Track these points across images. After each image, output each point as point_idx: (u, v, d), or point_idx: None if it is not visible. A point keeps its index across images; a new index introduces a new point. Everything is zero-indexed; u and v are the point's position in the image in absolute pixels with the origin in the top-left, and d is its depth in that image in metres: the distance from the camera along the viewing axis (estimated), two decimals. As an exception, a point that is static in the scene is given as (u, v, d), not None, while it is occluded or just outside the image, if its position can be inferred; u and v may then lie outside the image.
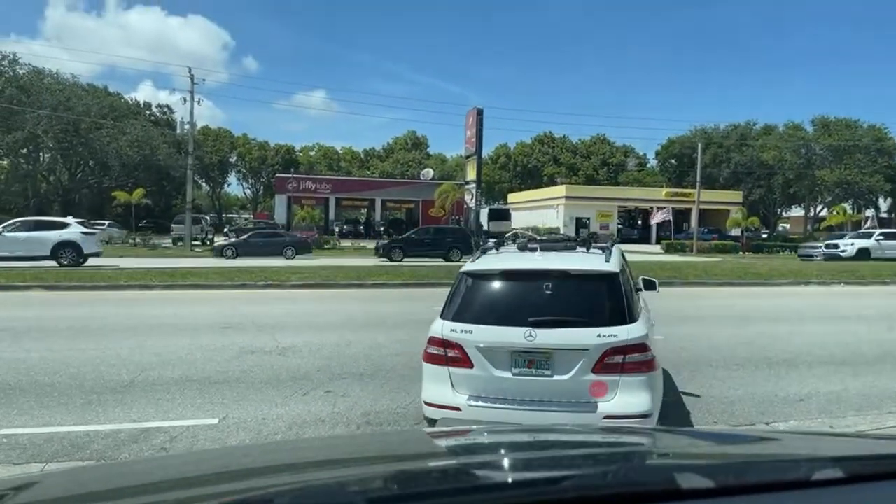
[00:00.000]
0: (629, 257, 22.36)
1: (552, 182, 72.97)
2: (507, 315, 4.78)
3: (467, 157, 44.67)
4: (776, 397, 6.88)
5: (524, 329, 4.53)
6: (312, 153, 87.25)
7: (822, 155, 54.21)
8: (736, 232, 50.65)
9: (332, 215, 53.18)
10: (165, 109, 66.01)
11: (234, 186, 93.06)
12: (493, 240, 7.07)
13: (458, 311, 5.03)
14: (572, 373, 4.52)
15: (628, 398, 4.48)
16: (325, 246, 36.64)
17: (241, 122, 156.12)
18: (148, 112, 65.42)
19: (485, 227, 42.10)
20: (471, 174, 43.06)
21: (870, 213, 51.81)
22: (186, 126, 36.93)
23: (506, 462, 1.39)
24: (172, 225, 40.98)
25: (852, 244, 31.31)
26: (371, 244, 39.43)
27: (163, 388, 6.87)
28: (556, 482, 1.11)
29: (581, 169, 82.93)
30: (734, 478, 1.13)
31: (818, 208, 60.11)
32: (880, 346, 9.44)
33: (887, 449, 1.53)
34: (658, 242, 49.42)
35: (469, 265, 5.46)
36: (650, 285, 6.88)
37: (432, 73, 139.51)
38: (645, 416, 4.47)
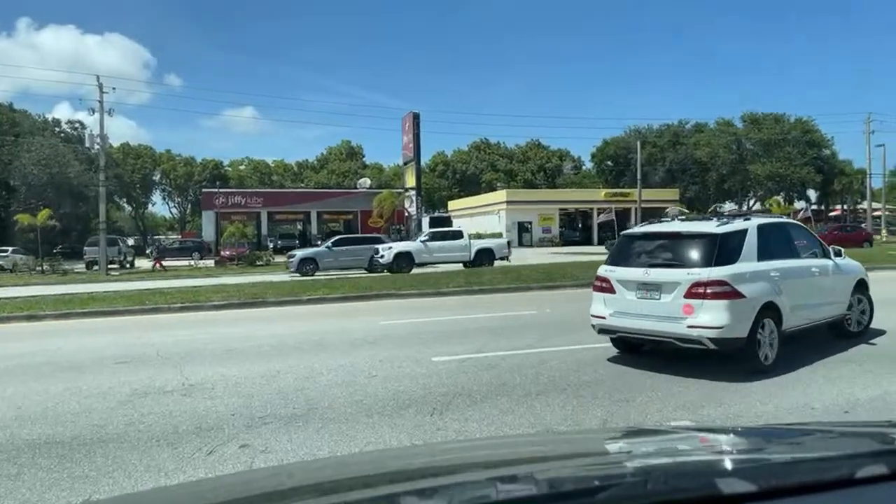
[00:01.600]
0: (574, 259, 21.41)
1: (491, 188, 72.24)
2: (637, 260, 7.39)
3: (405, 163, 42.94)
4: None
5: (644, 269, 7.16)
6: (242, 167, 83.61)
7: (752, 150, 55.39)
8: (675, 229, 50.88)
9: (264, 230, 50.39)
10: (77, 125, 61.37)
11: (160, 206, 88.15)
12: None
13: (611, 257, 7.79)
14: (671, 297, 6.84)
15: (707, 316, 6.61)
16: (258, 262, 34.17)
17: (167, 142, 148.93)
18: (57, 129, 60.68)
19: (427, 236, 40.41)
20: (410, 181, 41.33)
21: (801, 204, 53.23)
22: (97, 140, 33.69)
23: (536, 473, 1.38)
24: (85, 248, 37.40)
25: None
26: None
27: (7, 458, 4.86)
28: (591, 493, 1.08)
29: (519, 174, 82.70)
30: (775, 479, 1.11)
31: (751, 202, 61.48)
32: None
33: None
34: (601, 243, 49.11)
35: (625, 231, 8.39)
36: (838, 253, 8.93)
37: (363, 86, 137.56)
38: (717, 328, 6.56)
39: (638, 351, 7.87)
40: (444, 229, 29.10)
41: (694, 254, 7.01)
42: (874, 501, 1.03)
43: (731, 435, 1.89)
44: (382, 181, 66.42)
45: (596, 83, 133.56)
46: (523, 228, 54.35)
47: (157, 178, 77.86)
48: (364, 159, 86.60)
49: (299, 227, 61.03)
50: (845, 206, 65.92)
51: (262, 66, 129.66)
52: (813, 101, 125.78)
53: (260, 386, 6.81)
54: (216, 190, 47.73)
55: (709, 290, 6.63)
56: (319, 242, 48.92)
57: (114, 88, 31.92)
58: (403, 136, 41.83)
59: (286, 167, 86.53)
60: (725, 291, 6.61)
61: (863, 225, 45.75)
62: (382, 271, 24.30)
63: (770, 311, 6.96)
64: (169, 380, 7.19)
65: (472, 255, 25.66)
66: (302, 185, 76.56)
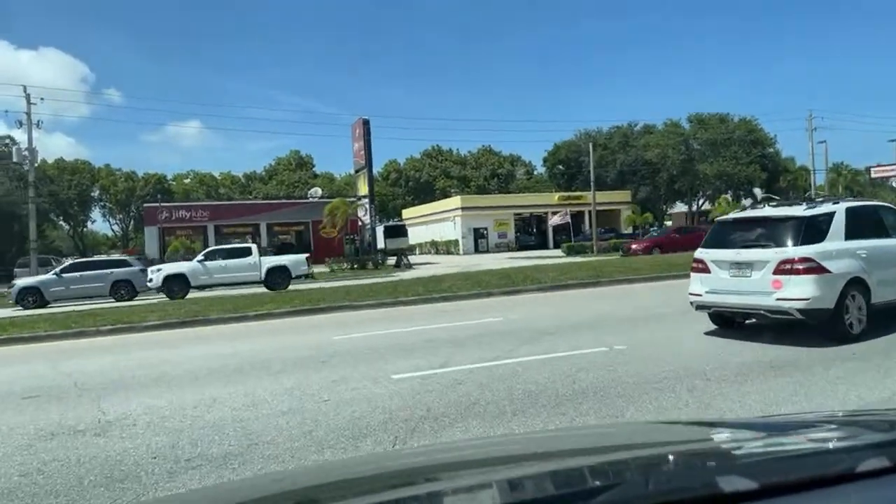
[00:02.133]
0: (530, 262, 20.79)
1: (445, 195, 71.66)
2: (730, 241, 8.24)
3: (357, 171, 41.84)
4: None
5: (736, 250, 8.05)
6: (187, 181, 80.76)
7: (700, 150, 56.35)
8: (629, 230, 51.41)
9: (212, 244, 48.42)
10: (7, 140, 58.00)
11: (101, 223, 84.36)
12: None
13: (707, 241, 8.68)
14: (761, 274, 7.65)
15: (795, 290, 7.36)
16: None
17: (109, 158, 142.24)
18: (-18, 145, 57.18)
19: (381, 245, 39.36)
20: (362, 189, 40.24)
21: (747, 202, 54.23)
22: (25, 154, 31.55)
23: (535, 473, 1.39)
24: (15, 270, 35.00)
25: None
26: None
27: None
28: (591, 494, 1.06)
29: (472, 180, 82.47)
30: (776, 475, 1.09)
31: (701, 201, 62.56)
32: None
33: None
34: (557, 246, 49.01)
35: (719, 218, 9.75)
36: None
37: (311, 97, 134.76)
38: (804, 299, 7.30)
39: (722, 328, 8.66)
40: (228, 246, 25.80)
41: (782, 234, 7.79)
42: (877, 495, 1.02)
43: (733, 429, 1.90)
44: (334, 190, 65.06)
45: (544, 87, 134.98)
46: (479, 234, 53.88)
47: (95, 194, 74.45)
48: (314, 169, 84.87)
49: (249, 240, 59.13)
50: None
51: (207, 79, 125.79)
52: (755, 100, 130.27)
53: (191, 419, 5.84)
54: (159, 204, 45.62)
55: (796, 267, 7.40)
56: (270, 253, 47.66)
57: (42, 99, 29.89)
58: (354, 143, 40.77)
59: (233, 179, 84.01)
60: (811, 267, 7.37)
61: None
62: (130, 298, 21.30)
63: (858, 285, 7.65)
64: (83, 416, 6.13)
65: (263, 274, 22.28)
66: (251, 196, 74.43)
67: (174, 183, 79.89)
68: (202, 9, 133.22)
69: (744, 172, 53.96)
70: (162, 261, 39.46)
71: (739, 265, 7.89)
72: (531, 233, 59.63)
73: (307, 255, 25.63)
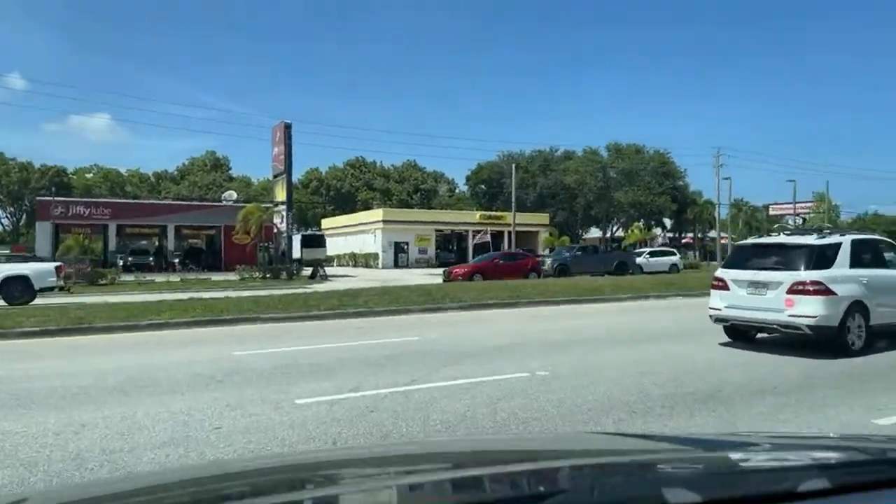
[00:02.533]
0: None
1: (367, 207, 70.68)
2: (748, 263, 9.48)
3: (275, 176, 40.35)
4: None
5: (754, 271, 9.21)
6: (90, 176, 75.67)
7: (616, 178, 58.38)
8: (546, 252, 52.36)
9: (112, 245, 45.22)
10: None
11: (-13, 216, 77.41)
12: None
13: (727, 262, 10.32)
14: (775, 293, 8.78)
15: (805, 308, 8.50)
16: (101, 281, 30.08)
17: (4, 147, 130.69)
18: None
19: (297, 255, 37.96)
20: (280, 195, 38.79)
21: (658, 230, 56.75)
22: None
23: (484, 476, 1.38)
24: None
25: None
26: (163, 277, 33.43)
27: None
28: (536, 500, 1.08)
29: (395, 194, 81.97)
30: (721, 490, 1.11)
31: (614, 228, 64.78)
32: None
33: (871, 454, 1.55)
34: (477, 264, 49.15)
35: (738, 243, 12.82)
36: None
37: (233, 99, 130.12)
38: (812, 317, 8.44)
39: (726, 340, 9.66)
40: None
41: (795, 260, 8.93)
42: None
43: (680, 444, 1.92)
44: (250, 195, 62.65)
45: (471, 107, 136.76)
46: (399, 248, 53.28)
47: (-17, 184, 68.41)
48: (230, 171, 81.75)
49: (156, 242, 55.75)
50: (698, 234, 71.57)
51: (123, 72, 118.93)
52: (668, 133, 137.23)
53: (51, 449, 4.92)
54: (52, 198, 42.05)
55: (807, 288, 8.50)
56: (177, 260, 44.83)
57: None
58: (274, 147, 39.33)
59: (142, 177, 79.51)
60: (820, 289, 8.46)
61: (535, 251, 44.09)
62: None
63: (859, 307, 8.70)
64: (-90, 444, 5.07)
65: None
66: (160, 197, 70.55)
67: (75, 177, 74.70)
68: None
69: (656, 202, 56.34)
70: (53, 259, 36.40)
71: (756, 284, 9.01)
72: (451, 250, 59.64)
73: (58, 264, 21.94)
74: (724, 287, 9.40)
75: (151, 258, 46.34)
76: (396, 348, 9.51)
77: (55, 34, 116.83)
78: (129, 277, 32.88)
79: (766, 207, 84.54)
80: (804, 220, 78.86)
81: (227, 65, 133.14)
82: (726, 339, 9.77)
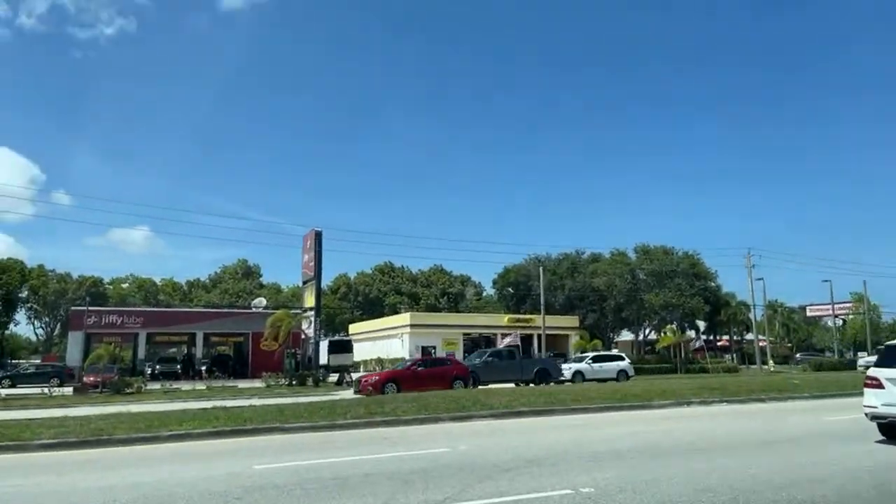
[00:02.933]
0: (481, 387, 19.42)
1: (395, 311, 70.60)
2: None
3: (305, 282, 40.77)
4: None
5: None
6: (125, 286, 77.47)
7: (646, 280, 57.73)
8: (577, 355, 51.03)
9: (141, 353, 45.41)
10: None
11: (24, 326, 78.98)
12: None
13: (878, 362, 10.60)
14: None
15: None
16: (127, 390, 29.87)
17: (46, 259, 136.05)
18: None
19: (323, 361, 37.53)
20: (309, 301, 38.99)
21: (692, 333, 55.20)
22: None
23: None
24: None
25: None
26: (189, 385, 33.08)
27: None
28: None
29: (422, 298, 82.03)
30: None
31: (647, 330, 63.23)
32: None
33: None
34: (506, 370, 47.94)
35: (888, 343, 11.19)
36: None
37: (263, 209, 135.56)
38: None
39: None
40: None
41: None
42: None
43: None
44: (280, 301, 63.24)
45: (498, 211, 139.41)
46: (426, 352, 52.51)
47: (23, 294, 70.29)
48: (261, 279, 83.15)
49: (185, 350, 55.87)
50: (734, 336, 69.41)
51: (156, 187, 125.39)
52: (697, 235, 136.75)
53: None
54: (86, 308, 42.83)
55: None
56: (204, 367, 44.57)
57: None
58: (304, 254, 40.04)
59: (175, 286, 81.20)
60: None
61: (456, 358, 38.75)
62: None
63: None
64: None
65: None
66: (191, 304, 71.60)
67: (111, 287, 76.51)
68: (156, 111, 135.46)
69: (688, 304, 55.23)
70: (81, 369, 36.46)
71: None
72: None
73: None
74: (879, 385, 9.84)
75: (179, 366, 46.26)
76: (426, 461, 8.89)
77: (95, 151, 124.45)
78: (156, 386, 32.64)
79: (803, 308, 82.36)
80: (844, 321, 76.36)
81: (257, 176, 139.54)
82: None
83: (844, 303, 74.21)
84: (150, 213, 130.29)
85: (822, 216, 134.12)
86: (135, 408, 18.50)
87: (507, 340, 50.13)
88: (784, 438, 10.75)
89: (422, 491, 6.93)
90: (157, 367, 45.03)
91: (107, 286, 76.24)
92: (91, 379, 32.10)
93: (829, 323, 76.31)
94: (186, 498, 6.87)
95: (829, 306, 66.36)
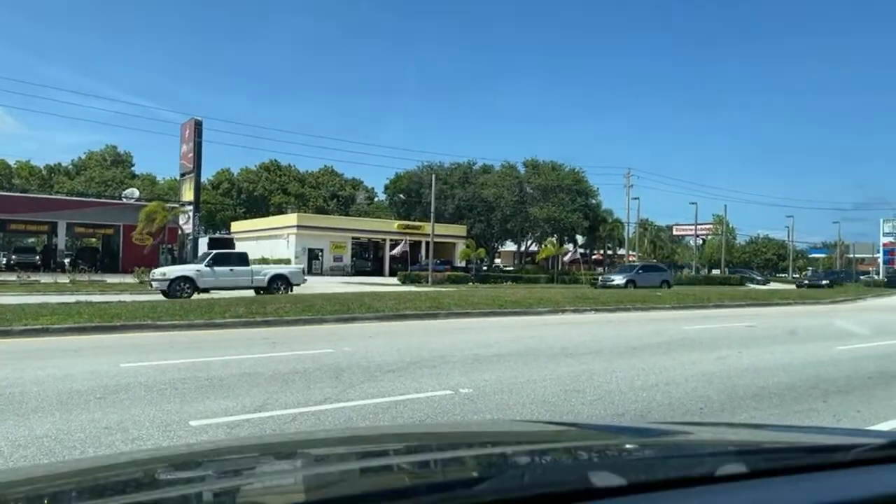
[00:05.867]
0: (367, 289, 19.48)
1: (281, 211, 68.45)
2: None
3: (183, 175, 38.23)
4: None
5: None
6: (-28, 166, 69.09)
7: (532, 194, 59.45)
8: (463, 263, 52.51)
9: (-7, 241, 41.26)
10: None
11: None
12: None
13: None
14: None
15: None
16: (-25, 280, 27.14)
17: None
18: None
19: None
20: (188, 195, 36.76)
21: (570, 246, 58.24)
22: None
23: (413, 462, 1.44)
24: None
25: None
26: (50, 278, 30.56)
27: None
28: (468, 485, 1.11)
29: (311, 200, 79.97)
30: (644, 473, 1.16)
31: (529, 243, 65.87)
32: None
33: (786, 440, 1.69)
34: (393, 274, 48.52)
35: None
36: None
37: (141, 94, 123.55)
38: None
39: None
40: None
41: None
42: (734, 498, 1.09)
43: (605, 431, 2.10)
44: (155, 194, 59.12)
45: (390, 116, 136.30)
46: (314, 255, 51.80)
47: None
48: (133, 168, 77.04)
49: (45, 240, 51.33)
50: (608, 251, 74.09)
51: (9, 57, 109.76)
52: (583, 152, 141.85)
53: None
54: (-76, 187, 37.80)
55: None
56: (68, 260, 41.27)
57: None
58: (182, 144, 37.27)
59: (32, 170, 73.43)
60: None
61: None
62: None
63: None
64: None
65: None
66: (51, 191, 65.32)
67: (-47, 166, 67.90)
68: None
69: (569, 219, 57.76)
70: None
71: None
72: (368, 258, 58.70)
73: None
74: None
75: (38, 257, 42.61)
76: (308, 361, 8.79)
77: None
78: (11, 277, 29.88)
79: (670, 228, 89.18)
80: (703, 240, 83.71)
81: (132, 58, 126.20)
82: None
83: (706, 224, 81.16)
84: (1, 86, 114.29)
85: (690, 144, 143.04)
86: (-16, 300, 16.86)
87: (399, 248, 50.44)
88: (646, 345, 11.64)
89: (302, 391, 6.83)
90: (14, 257, 41.22)
91: (-52, 165, 67.66)
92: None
93: (692, 242, 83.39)
94: (41, 397, 6.33)
95: (693, 226, 72.22)
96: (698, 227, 72.56)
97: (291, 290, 23.43)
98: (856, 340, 12.94)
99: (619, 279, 37.97)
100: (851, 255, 74.49)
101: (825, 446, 1.48)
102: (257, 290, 23.23)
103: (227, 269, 22.94)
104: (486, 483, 1.10)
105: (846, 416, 6.31)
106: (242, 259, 24.21)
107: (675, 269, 79.30)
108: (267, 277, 23.56)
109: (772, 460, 1.29)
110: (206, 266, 22.80)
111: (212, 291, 22.42)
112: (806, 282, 55.19)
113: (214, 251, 25.69)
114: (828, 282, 51.30)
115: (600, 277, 41.15)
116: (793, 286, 53.52)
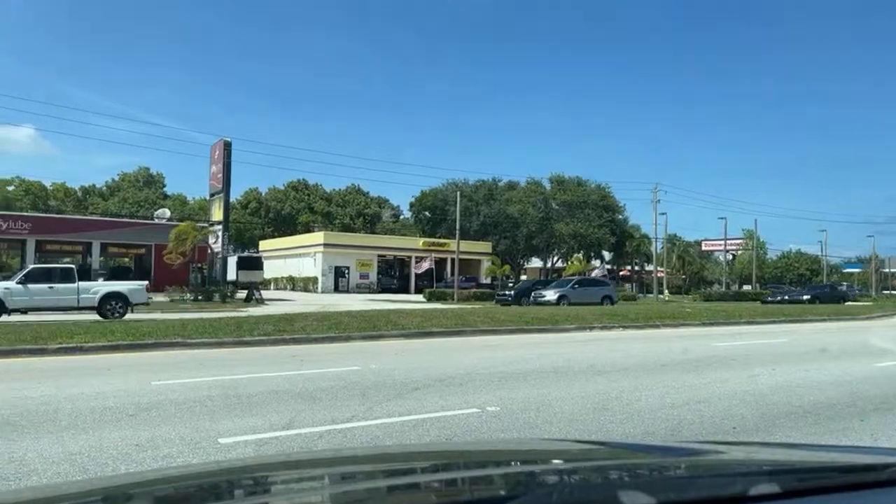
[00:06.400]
0: (394, 306, 19.53)
1: (308, 230, 69.21)
2: None
3: (212, 195, 38.91)
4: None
5: None
6: (11, 189, 71.27)
7: (557, 210, 59.25)
8: (488, 280, 52.41)
9: (30, 262, 42.34)
10: None
11: None
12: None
13: None
14: None
15: None
16: (13, 299, 27.84)
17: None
18: None
19: (232, 277, 36.44)
20: (217, 214, 37.35)
21: (597, 262, 57.76)
22: None
23: (435, 483, 1.41)
24: None
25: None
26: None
27: None
28: (499, 502, 1.11)
29: (337, 218, 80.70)
30: (674, 493, 1.15)
31: (555, 258, 65.50)
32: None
33: (819, 460, 1.66)
34: (419, 291, 48.59)
35: None
36: None
37: (172, 117, 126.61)
38: None
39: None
40: None
41: None
42: None
43: (635, 451, 2.04)
44: (186, 214, 60.34)
45: (416, 135, 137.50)
46: (340, 273, 52.18)
47: None
48: (165, 189, 78.69)
49: (80, 259, 52.58)
50: (635, 267, 73.26)
51: (45, 83, 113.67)
52: (609, 168, 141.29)
53: None
54: (-35, 210, 39.10)
55: None
56: (102, 279, 42.23)
57: None
58: (212, 165, 37.98)
59: (67, 191, 75.48)
60: None
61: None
62: None
63: None
64: None
65: None
66: (86, 212, 67.03)
67: (-7, 189, 70.15)
68: (59, 8, 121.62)
69: (595, 235, 57.40)
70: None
71: None
72: (394, 276, 58.92)
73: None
74: None
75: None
76: (335, 379, 8.82)
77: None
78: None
79: (699, 243, 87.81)
80: (734, 256, 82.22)
81: (165, 82, 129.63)
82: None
83: (736, 239, 79.74)
84: (37, 110, 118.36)
85: (714, 160, 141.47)
86: (21, 318, 17.31)
87: (423, 265, 50.58)
88: (676, 363, 11.46)
89: (329, 409, 6.86)
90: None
91: (-11, 188, 69.88)
92: None
93: (721, 257, 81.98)
94: (74, 414, 6.46)
95: (722, 241, 71.01)
96: (728, 241, 71.31)
97: (131, 311, 20.27)
98: (893, 358, 12.55)
99: (550, 295, 32.95)
100: (887, 270, 72.48)
101: (859, 465, 1.46)
102: (98, 310, 19.78)
103: (45, 286, 19.26)
104: (515, 502, 1.10)
105: (885, 434, 6.12)
106: (67, 275, 20.36)
107: (705, 285, 78.06)
108: (98, 296, 20.00)
109: (805, 480, 1.28)
110: (16, 284, 19.09)
111: (30, 314, 19.04)
112: (780, 297, 45.47)
113: (31, 265, 23.01)
114: (809, 297, 42.86)
115: (532, 294, 34.81)
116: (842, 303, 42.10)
